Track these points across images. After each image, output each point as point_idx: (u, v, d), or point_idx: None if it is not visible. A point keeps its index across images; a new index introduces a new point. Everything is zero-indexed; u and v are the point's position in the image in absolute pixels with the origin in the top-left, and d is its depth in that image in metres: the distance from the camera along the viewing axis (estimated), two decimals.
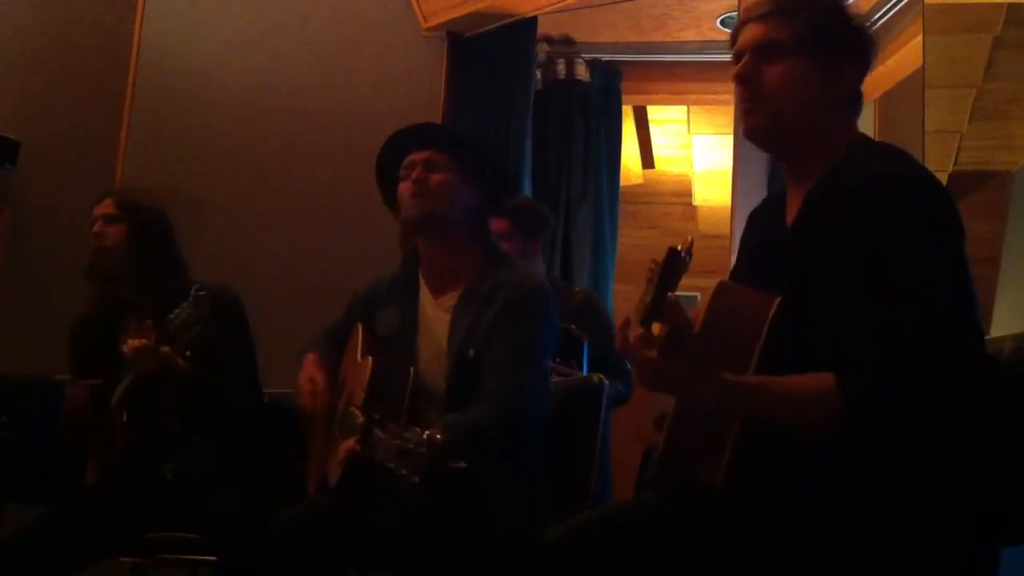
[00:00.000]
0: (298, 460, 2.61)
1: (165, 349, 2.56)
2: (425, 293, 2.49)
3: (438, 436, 1.92)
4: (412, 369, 2.34)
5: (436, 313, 2.45)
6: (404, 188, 2.42)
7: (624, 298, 5.07)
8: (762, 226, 1.85)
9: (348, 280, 3.84)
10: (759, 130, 1.72)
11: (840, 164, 1.65)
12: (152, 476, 2.67)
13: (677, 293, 1.53)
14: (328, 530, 2.24)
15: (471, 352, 2.33)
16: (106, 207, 2.93)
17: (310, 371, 2.49)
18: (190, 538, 2.57)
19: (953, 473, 1.48)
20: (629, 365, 3.48)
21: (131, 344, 2.55)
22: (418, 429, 1.99)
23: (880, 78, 4.53)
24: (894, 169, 1.59)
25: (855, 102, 1.74)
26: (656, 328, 1.47)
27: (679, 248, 1.51)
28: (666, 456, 1.66)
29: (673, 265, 1.50)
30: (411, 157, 2.45)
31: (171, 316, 2.56)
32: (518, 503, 2.23)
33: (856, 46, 1.71)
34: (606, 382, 2.60)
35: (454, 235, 2.44)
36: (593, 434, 2.54)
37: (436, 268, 2.48)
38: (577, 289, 3.95)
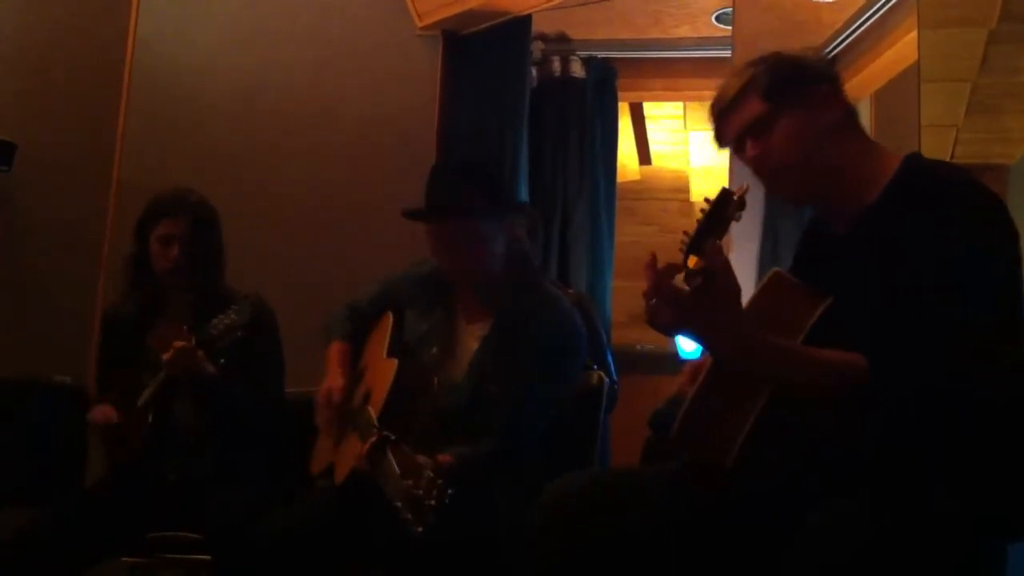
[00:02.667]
0: (302, 457, 2.60)
1: (201, 353, 2.56)
2: (458, 314, 2.48)
3: (449, 492, 1.90)
4: (432, 387, 2.32)
5: (465, 339, 2.44)
6: (440, 258, 2.42)
7: (622, 295, 5.07)
8: (814, 241, 1.86)
9: (342, 281, 3.84)
10: (791, 196, 1.79)
11: (899, 180, 1.66)
12: (154, 476, 2.66)
13: None
14: (328, 531, 2.24)
15: (491, 389, 2.32)
16: None
17: (332, 376, 2.47)
18: (189, 537, 2.57)
19: (955, 472, 1.48)
20: (615, 376, 3.48)
21: (174, 343, 2.55)
22: (429, 462, 1.99)
23: (876, 73, 4.53)
24: (951, 182, 1.60)
25: (851, 116, 1.75)
26: (692, 261, 1.47)
27: (733, 191, 1.51)
28: (684, 429, 1.64)
29: (722, 205, 1.50)
30: (439, 227, 2.40)
31: (214, 320, 2.56)
32: (520, 505, 2.23)
33: (813, 71, 1.74)
34: (606, 380, 2.60)
35: (487, 277, 2.43)
36: (593, 433, 2.54)
37: (470, 293, 2.47)
38: (571, 291, 3.94)
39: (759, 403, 1.54)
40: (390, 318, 2.50)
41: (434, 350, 2.43)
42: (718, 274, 1.48)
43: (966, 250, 1.51)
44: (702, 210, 1.52)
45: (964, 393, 1.46)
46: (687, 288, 1.49)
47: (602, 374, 2.61)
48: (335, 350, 2.53)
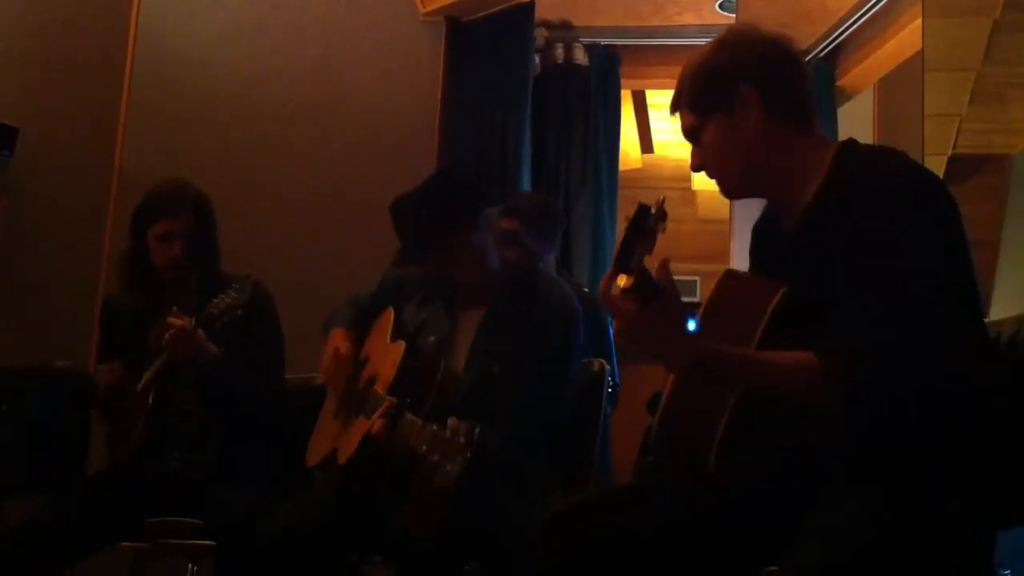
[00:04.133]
0: (303, 449, 2.60)
1: (201, 333, 2.56)
2: (456, 303, 2.49)
3: (477, 429, 1.91)
4: (439, 371, 2.31)
5: (463, 326, 2.45)
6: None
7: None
8: (764, 238, 1.86)
9: (345, 270, 3.83)
10: (733, 195, 1.82)
11: (833, 171, 1.66)
12: (158, 464, 2.67)
13: (677, 277, 1.54)
14: (329, 525, 2.24)
15: (495, 370, 2.32)
16: None
17: (337, 342, 2.48)
18: (192, 523, 2.57)
19: (949, 465, 1.48)
20: (618, 378, 3.48)
21: (172, 322, 2.55)
22: (452, 419, 1.98)
23: (879, 62, 4.52)
24: (886, 165, 1.61)
25: (784, 109, 1.72)
26: (622, 280, 1.49)
27: (650, 206, 1.53)
28: (663, 433, 1.66)
29: (641, 221, 1.52)
30: (435, 251, 2.42)
31: (214, 300, 2.57)
32: (524, 494, 2.23)
33: (736, 77, 1.70)
34: (607, 367, 2.60)
35: (485, 273, 2.46)
36: (595, 420, 2.54)
37: (465, 283, 2.49)
38: (586, 291, 3.93)
39: (731, 399, 1.55)
40: (391, 312, 2.50)
41: (431, 339, 2.44)
42: (658, 290, 1.50)
43: (906, 234, 1.51)
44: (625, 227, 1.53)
45: (928, 379, 1.46)
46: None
47: (603, 362, 2.61)
48: (337, 333, 2.54)
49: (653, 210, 1.53)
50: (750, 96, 1.69)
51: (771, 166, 1.71)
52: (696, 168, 1.78)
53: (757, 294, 1.63)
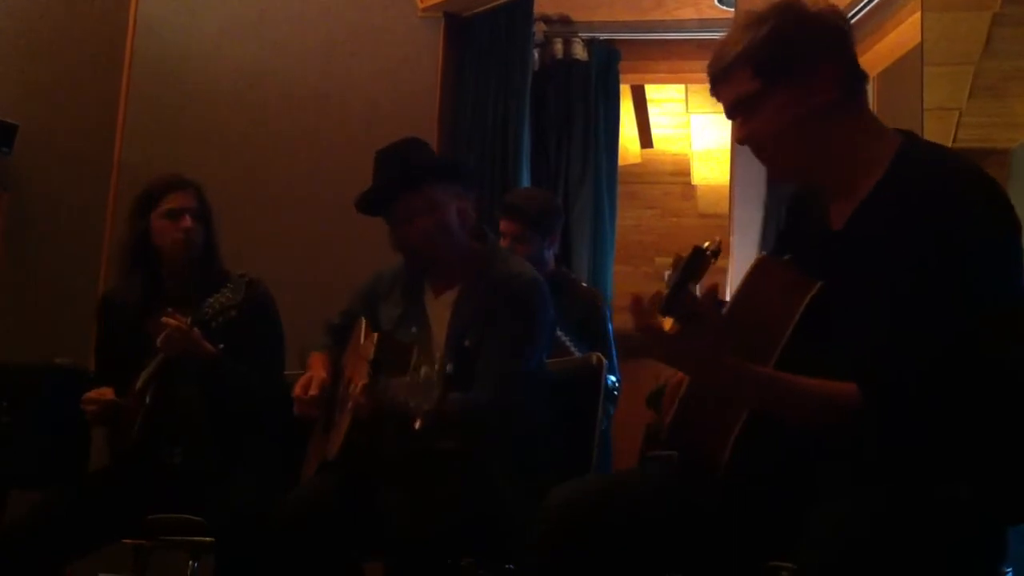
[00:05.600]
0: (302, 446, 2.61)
1: (196, 331, 2.57)
2: (427, 290, 2.54)
3: (448, 366, 1.96)
4: (415, 349, 2.34)
5: (437, 309, 2.49)
6: (400, 240, 2.51)
7: (624, 279, 5.06)
8: (800, 225, 1.80)
9: (346, 266, 3.83)
10: (784, 177, 1.75)
11: (895, 167, 1.60)
12: (160, 459, 2.67)
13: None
14: (333, 518, 2.25)
15: (467, 342, 2.35)
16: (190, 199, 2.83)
17: (312, 369, 2.51)
18: (193, 520, 2.58)
19: (954, 465, 1.48)
20: (618, 376, 3.48)
21: (167, 322, 2.55)
22: (425, 367, 2.05)
23: (879, 55, 4.51)
24: (955, 170, 1.55)
25: (853, 88, 1.64)
26: (667, 324, 1.48)
27: (705, 247, 1.50)
28: (677, 425, 1.65)
29: (696, 263, 1.50)
30: (394, 210, 2.48)
31: (209, 300, 2.57)
32: (523, 489, 2.24)
33: (817, 43, 1.61)
34: (605, 362, 2.60)
35: (449, 248, 2.49)
36: (593, 414, 2.54)
37: (435, 268, 2.53)
38: (585, 286, 3.93)
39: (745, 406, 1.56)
40: (363, 321, 2.53)
41: (413, 329, 2.47)
42: (701, 318, 1.48)
43: (978, 249, 1.47)
44: (675, 262, 1.51)
45: (977, 394, 1.46)
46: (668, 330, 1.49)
47: (600, 356, 2.62)
48: (313, 357, 2.56)
49: (708, 252, 1.50)
50: (830, 74, 1.60)
51: (830, 151, 1.63)
52: (741, 140, 1.68)
53: (791, 286, 1.60)
